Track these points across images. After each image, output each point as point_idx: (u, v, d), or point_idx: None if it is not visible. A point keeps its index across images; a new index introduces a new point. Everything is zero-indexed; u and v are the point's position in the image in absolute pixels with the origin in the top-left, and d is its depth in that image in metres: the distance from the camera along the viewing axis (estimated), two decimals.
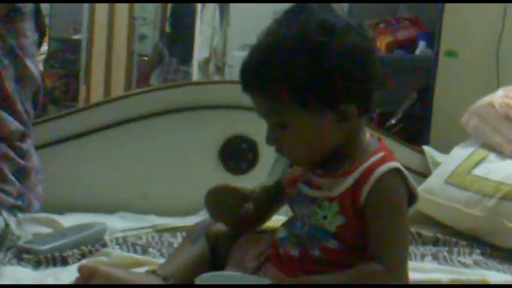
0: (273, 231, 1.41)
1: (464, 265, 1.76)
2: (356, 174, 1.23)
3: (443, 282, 1.57)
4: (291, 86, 1.19)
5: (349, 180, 1.23)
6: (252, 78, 1.23)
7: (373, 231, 1.22)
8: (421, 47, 2.93)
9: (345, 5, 2.95)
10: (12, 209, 1.77)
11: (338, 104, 1.20)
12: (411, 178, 1.25)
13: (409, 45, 2.99)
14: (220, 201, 1.35)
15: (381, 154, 1.25)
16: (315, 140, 1.23)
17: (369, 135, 1.29)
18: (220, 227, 1.43)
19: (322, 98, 1.19)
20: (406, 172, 1.24)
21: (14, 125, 1.81)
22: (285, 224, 1.34)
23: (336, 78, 1.19)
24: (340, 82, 1.19)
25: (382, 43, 2.99)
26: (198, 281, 1.25)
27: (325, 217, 1.25)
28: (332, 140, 1.24)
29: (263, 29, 1.25)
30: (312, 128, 1.22)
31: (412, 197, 1.26)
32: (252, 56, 1.24)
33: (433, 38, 2.78)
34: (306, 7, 1.25)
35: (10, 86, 1.81)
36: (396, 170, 1.23)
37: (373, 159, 1.24)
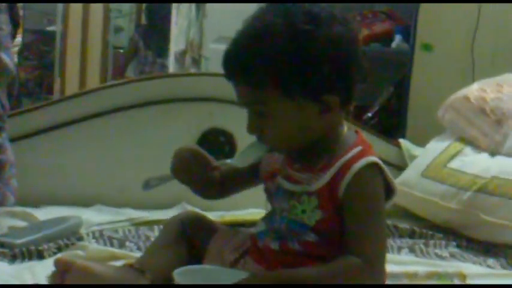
0: (251, 224, 1.41)
1: (441, 257, 1.77)
2: (334, 168, 1.23)
3: (419, 275, 1.58)
4: (276, 74, 1.19)
5: (328, 175, 1.24)
6: (236, 65, 1.22)
7: (351, 225, 1.22)
8: (397, 40, 2.94)
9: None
10: None
11: (321, 94, 1.20)
12: (389, 172, 1.26)
13: (385, 38, 3.00)
14: (187, 165, 1.34)
15: (358, 148, 1.25)
16: (297, 130, 1.23)
17: (346, 128, 1.29)
18: (197, 219, 1.42)
19: (306, 87, 1.19)
20: (383, 166, 1.25)
21: None
22: (264, 218, 1.34)
23: (321, 67, 1.19)
24: (324, 71, 1.19)
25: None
26: (176, 274, 1.24)
27: (304, 211, 1.25)
28: (313, 130, 1.24)
29: (247, 17, 1.24)
30: (295, 117, 1.22)
31: (389, 191, 1.26)
32: (236, 42, 1.23)
33: (409, 32, 2.79)
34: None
35: None
36: (374, 164, 1.24)
37: (351, 153, 1.24)
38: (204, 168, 1.35)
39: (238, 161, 1.34)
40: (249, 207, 1.93)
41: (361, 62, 1.24)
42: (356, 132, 1.31)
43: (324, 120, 1.23)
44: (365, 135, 1.31)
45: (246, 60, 1.20)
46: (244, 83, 1.22)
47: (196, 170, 1.34)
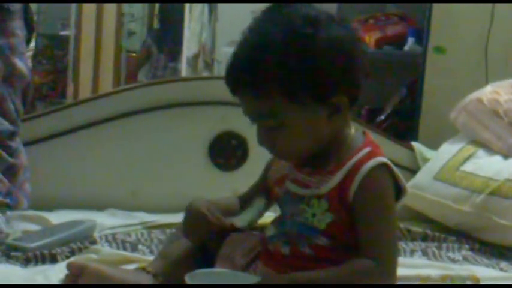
0: (262, 228, 1.41)
1: (454, 261, 1.77)
2: (343, 170, 1.23)
3: (432, 278, 1.58)
4: (281, 82, 1.18)
5: (337, 177, 1.23)
6: (240, 78, 1.21)
7: (362, 227, 1.22)
8: (410, 43, 2.94)
9: (334, 4, 2.93)
10: (1, 207, 1.75)
11: (330, 96, 1.20)
12: (399, 172, 1.26)
13: (398, 41, 3.00)
14: (195, 223, 1.34)
15: (367, 149, 1.25)
16: (309, 136, 1.23)
17: (353, 130, 1.29)
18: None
19: (314, 91, 1.19)
20: (393, 166, 1.25)
21: (3, 124, 1.79)
22: (274, 222, 1.34)
23: (326, 69, 1.19)
24: (329, 73, 1.19)
25: (371, 39, 3.00)
26: (188, 278, 1.25)
27: (314, 215, 1.25)
28: (324, 134, 1.24)
29: (244, 29, 1.24)
30: (306, 124, 1.22)
31: (400, 191, 1.26)
32: (239, 56, 1.22)
33: (421, 34, 2.79)
34: (286, 4, 1.24)
35: None
36: (383, 165, 1.23)
37: (360, 154, 1.24)
38: (211, 232, 1.34)
39: (239, 220, 1.34)
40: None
41: (363, 59, 1.24)
42: (364, 133, 1.30)
43: (334, 122, 1.23)
44: (377, 138, 1.31)
45: (250, 73, 1.19)
46: (251, 96, 1.21)
47: (203, 230, 1.34)
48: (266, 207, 1.34)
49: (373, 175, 1.22)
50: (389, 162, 1.24)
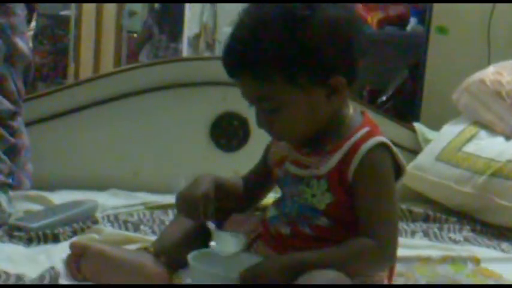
0: (263, 209, 1.42)
1: (455, 241, 1.77)
2: (342, 150, 1.23)
3: (433, 259, 1.58)
4: (280, 64, 1.17)
5: (336, 157, 1.23)
6: (238, 61, 1.20)
7: (362, 206, 1.22)
8: (412, 23, 2.92)
9: None
10: (3, 187, 1.76)
11: (328, 76, 1.20)
12: (398, 151, 1.25)
13: (400, 21, 2.98)
14: (186, 203, 1.32)
15: (366, 129, 1.25)
16: (307, 118, 1.23)
17: (352, 109, 1.28)
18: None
19: (312, 72, 1.19)
20: (392, 145, 1.25)
21: (5, 104, 1.79)
22: (275, 203, 1.34)
23: (324, 50, 1.18)
24: (328, 54, 1.19)
25: (373, 19, 2.98)
26: (190, 258, 1.25)
27: (313, 195, 1.25)
28: (323, 115, 1.23)
29: (240, 10, 1.23)
30: (304, 105, 1.21)
31: (399, 170, 1.26)
32: (235, 37, 1.22)
33: (424, 15, 2.77)
34: None
35: None
36: (382, 144, 1.23)
37: (359, 134, 1.24)
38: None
39: (219, 248, 1.29)
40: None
41: (361, 38, 1.24)
42: (362, 112, 1.30)
43: (332, 103, 1.23)
44: (379, 119, 1.31)
45: (248, 55, 1.18)
46: (249, 79, 1.21)
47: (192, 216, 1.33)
48: (244, 247, 1.31)
49: (372, 155, 1.22)
50: (388, 142, 1.24)
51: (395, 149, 1.25)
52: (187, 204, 1.31)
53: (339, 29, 1.20)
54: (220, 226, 1.36)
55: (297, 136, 1.27)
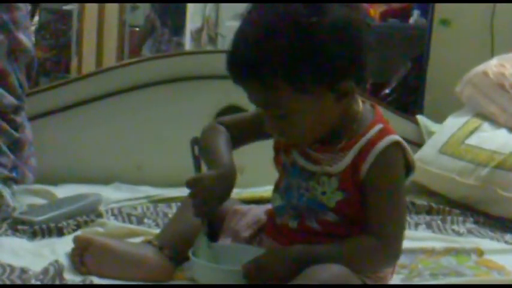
0: (267, 201, 1.41)
1: (458, 233, 1.77)
2: (356, 148, 1.22)
3: (437, 251, 1.58)
4: (287, 74, 1.14)
5: (350, 156, 1.22)
6: (243, 70, 1.18)
7: (372, 205, 1.22)
8: (415, 16, 2.92)
9: None
10: (7, 181, 1.76)
11: (337, 82, 1.18)
12: (409, 149, 1.25)
13: (403, 14, 2.98)
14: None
15: (379, 126, 1.23)
16: (317, 122, 1.21)
17: (361, 104, 1.27)
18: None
19: (320, 80, 1.16)
20: (405, 143, 1.24)
21: (8, 99, 1.80)
22: (279, 191, 1.32)
23: (332, 56, 1.15)
24: (336, 60, 1.16)
25: (376, 12, 2.98)
26: (191, 252, 1.25)
27: (323, 193, 1.24)
28: (333, 117, 1.22)
29: (243, 17, 1.20)
30: (313, 111, 1.19)
31: (409, 167, 1.25)
32: (240, 47, 1.18)
33: (427, 7, 2.77)
34: None
35: (2, 60, 1.79)
36: (396, 144, 1.22)
37: (372, 132, 1.23)
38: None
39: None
40: (266, 185, 1.93)
41: (370, 40, 1.20)
42: (372, 106, 1.29)
43: (342, 105, 1.21)
44: (382, 112, 1.30)
45: (253, 65, 1.15)
46: (255, 87, 1.18)
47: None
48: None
49: (386, 154, 1.21)
50: (401, 140, 1.23)
51: (407, 146, 1.24)
52: (201, 198, 1.26)
53: (348, 34, 1.17)
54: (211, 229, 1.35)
55: (308, 140, 1.25)
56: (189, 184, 1.26)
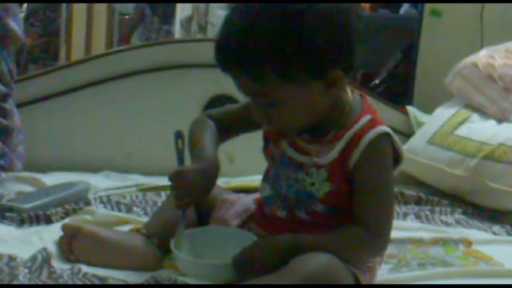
0: (256, 191, 1.41)
1: (446, 224, 1.78)
2: (344, 140, 1.22)
3: (425, 241, 1.59)
4: (275, 63, 1.14)
5: (338, 147, 1.22)
6: (231, 58, 1.17)
7: (361, 195, 1.22)
8: (406, 6, 2.92)
9: None
10: None
11: (325, 71, 1.17)
12: (398, 139, 1.25)
13: (394, 4, 2.98)
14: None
15: (367, 117, 1.23)
16: (306, 111, 1.21)
17: (350, 93, 1.27)
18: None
19: (308, 69, 1.15)
20: (393, 134, 1.24)
21: None
22: (268, 181, 1.33)
23: (320, 45, 1.14)
24: (324, 48, 1.15)
25: (366, 2, 2.98)
26: (172, 245, 1.25)
27: (312, 184, 1.24)
28: (321, 106, 1.22)
29: (232, 6, 1.20)
30: (302, 100, 1.19)
31: (397, 158, 1.26)
32: (227, 35, 1.18)
33: None
34: None
35: None
36: (385, 135, 1.22)
37: (361, 123, 1.23)
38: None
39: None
40: (255, 174, 1.93)
41: (358, 29, 1.20)
42: (361, 96, 1.29)
43: (331, 94, 1.21)
44: (372, 102, 1.30)
45: (241, 53, 1.15)
46: (243, 76, 1.18)
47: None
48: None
49: (375, 146, 1.21)
50: (389, 131, 1.23)
51: (395, 137, 1.24)
52: (183, 191, 1.27)
53: (336, 21, 1.16)
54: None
55: (296, 128, 1.25)
56: (171, 177, 1.26)
